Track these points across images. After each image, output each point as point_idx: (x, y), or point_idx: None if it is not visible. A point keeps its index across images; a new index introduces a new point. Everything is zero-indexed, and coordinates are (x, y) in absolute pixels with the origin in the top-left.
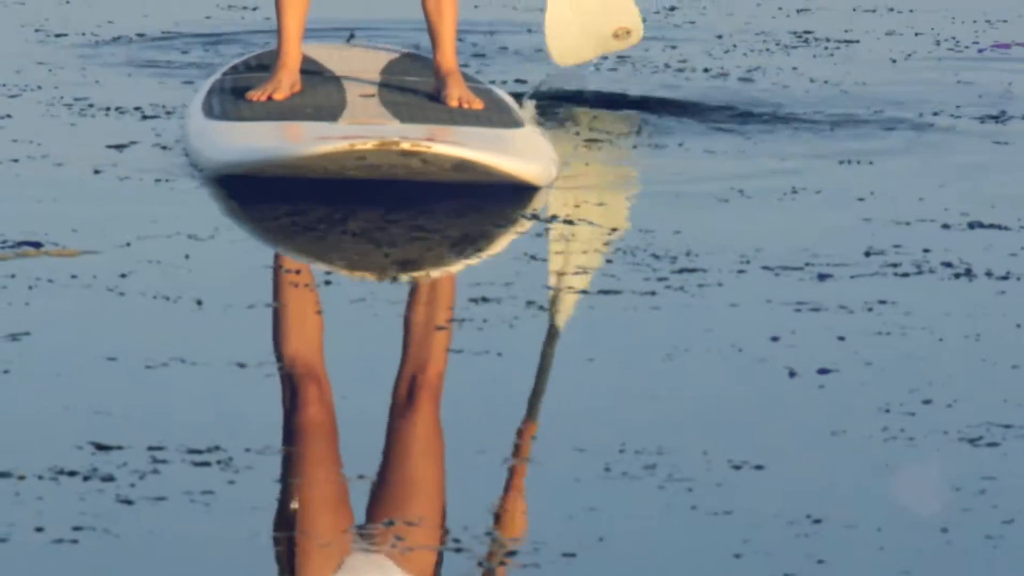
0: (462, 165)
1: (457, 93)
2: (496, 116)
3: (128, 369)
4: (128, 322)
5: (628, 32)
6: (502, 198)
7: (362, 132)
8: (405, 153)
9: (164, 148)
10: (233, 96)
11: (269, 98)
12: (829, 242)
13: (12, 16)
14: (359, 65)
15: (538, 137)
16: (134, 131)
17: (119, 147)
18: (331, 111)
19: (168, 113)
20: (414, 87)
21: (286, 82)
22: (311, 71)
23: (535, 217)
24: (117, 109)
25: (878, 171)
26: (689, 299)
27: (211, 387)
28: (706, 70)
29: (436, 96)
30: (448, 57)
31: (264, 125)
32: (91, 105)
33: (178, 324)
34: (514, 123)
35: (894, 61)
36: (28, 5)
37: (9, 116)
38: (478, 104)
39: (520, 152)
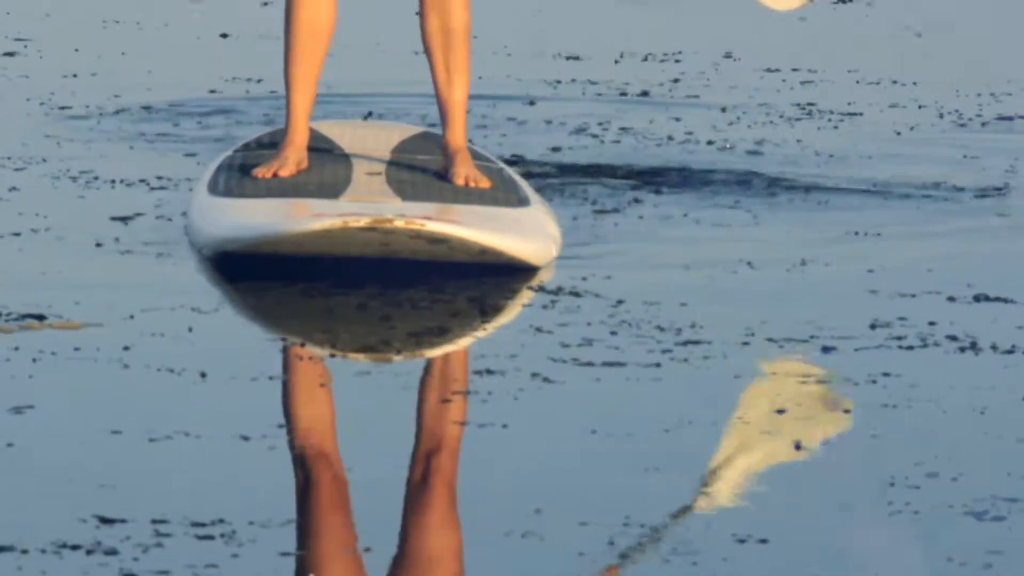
0: (455, 243)
1: (464, 172)
2: (502, 195)
3: (132, 442)
4: (131, 394)
5: None
6: (507, 271)
7: (359, 209)
8: (399, 231)
9: (168, 220)
10: (239, 173)
11: (274, 175)
12: (834, 314)
13: (18, 89)
14: (371, 143)
15: (543, 216)
16: (138, 204)
17: (123, 219)
18: (333, 188)
19: (173, 186)
20: (423, 165)
21: (292, 159)
22: (321, 148)
23: (540, 289)
24: (122, 182)
25: (885, 243)
26: (693, 371)
27: (215, 460)
28: (710, 142)
29: (444, 174)
30: (457, 135)
31: (264, 202)
32: (96, 178)
33: (182, 396)
34: (520, 201)
35: (899, 133)
36: (33, 78)
37: (15, 189)
38: (485, 183)
39: (520, 231)
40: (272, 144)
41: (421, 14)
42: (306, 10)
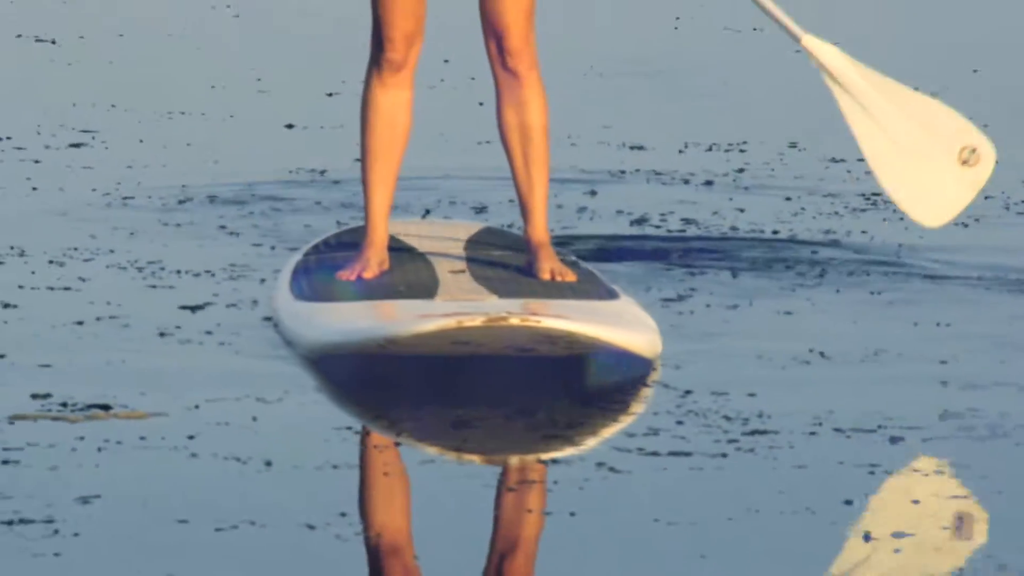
0: (573, 339)
1: (549, 266)
2: (591, 287)
3: (198, 531)
4: (197, 484)
5: (974, 151)
6: (569, 363)
7: (464, 308)
8: (515, 329)
9: (234, 308)
10: (322, 276)
11: (359, 277)
12: (903, 404)
13: (84, 180)
14: (440, 241)
15: (635, 308)
16: (204, 294)
17: (190, 309)
18: (425, 288)
19: (239, 276)
20: (500, 260)
21: (374, 260)
22: (395, 248)
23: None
24: (188, 272)
25: (958, 333)
26: (760, 461)
27: (281, 549)
28: (775, 232)
29: (526, 269)
30: (539, 228)
31: (358, 305)
32: (163, 268)
33: (247, 486)
34: (609, 294)
35: (966, 225)
36: (99, 169)
37: (83, 279)
38: (571, 276)
39: (626, 323)
40: (347, 244)
41: (498, 109)
42: (383, 116)
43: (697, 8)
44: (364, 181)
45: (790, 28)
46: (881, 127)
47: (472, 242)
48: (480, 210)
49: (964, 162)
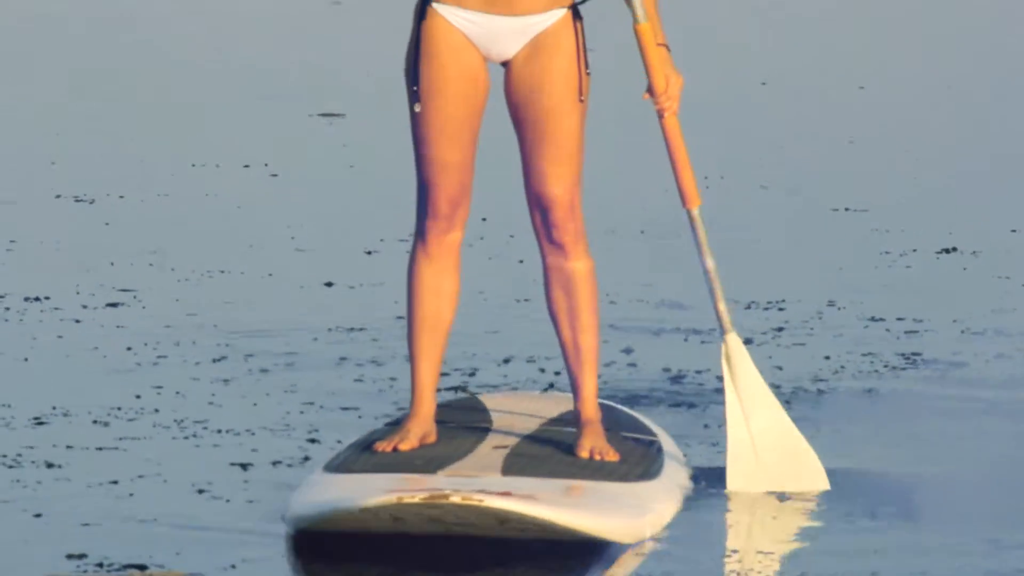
0: (515, 520)
1: (590, 444)
2: (625, 468)
3: None
4: None
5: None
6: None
7: (440, 484)
8: (457, 507)
9: (278, 464)
10: (362, 450)
11: (395, 448)
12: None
13: (121, 339)
14: (527, 417)
15: (661, 491)
16: (245, 452)
17: (231, 466)
18: (439, 462)
19: (280, 435)
20: (556, 438)
21: (415, 432)
22: (469, 423)
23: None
24: (228, 431)
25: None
26: None
27: None
28: (820, 392)
29: (573, 446)
30: (586, 405)
31: (359, 478)
32: (205, 427)
33: None
34: (642, 475)
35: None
36: (133, 328)
37: (122, 438)
38: (612, 456)
39: (605, 507)
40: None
41: (545, 285)
42: (428, 288)
43: (734, 166)
44: (410, 351)
45: (723, 317)
46: (751, 433)
47: (558, 418)
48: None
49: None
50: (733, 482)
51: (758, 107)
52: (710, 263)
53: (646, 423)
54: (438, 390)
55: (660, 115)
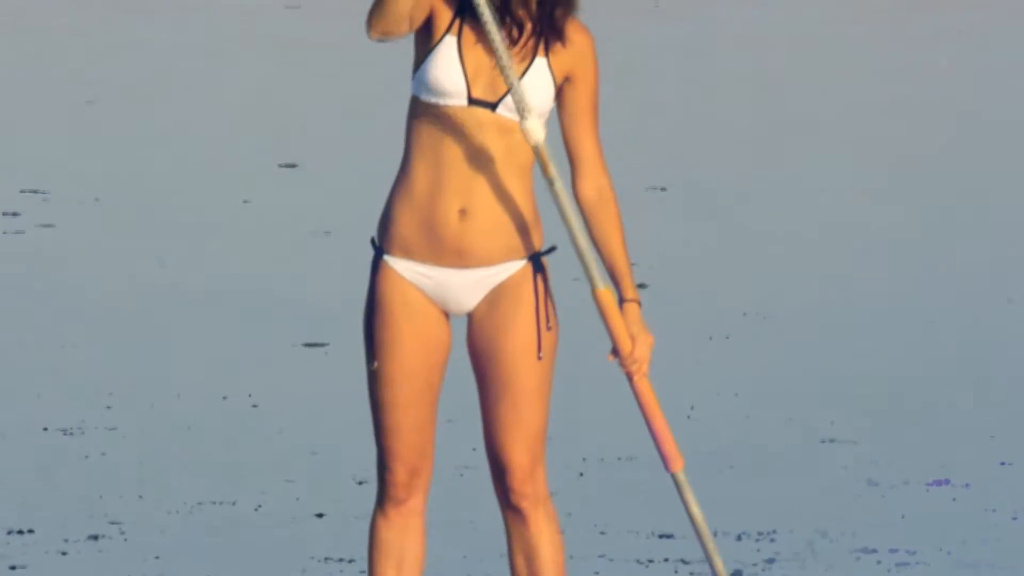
0: None
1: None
2: None
3: None
4: None
5: None
6: None
7: None
8: None
9: None
10: None
11: None
12: None
13: (110, 569)
14: None
15: None
16: None
17: None
18: None
19: None
20: None
21: None
22: None
23: None
24: None
25: None
26: None
27: None
28: None
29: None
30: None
31: None
32: None
33: None
34: None
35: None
36: (122, 567)
37: None
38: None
39: None
40: None
41: (508, 549)
42: (390, 555)
43: (713, 396)
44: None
45: (717, 567)
46: None
47: None
48: None
49: None
50: None
51: (741, 339)
52: (698, 515)
53: None
54: None
55: (629, 378)
